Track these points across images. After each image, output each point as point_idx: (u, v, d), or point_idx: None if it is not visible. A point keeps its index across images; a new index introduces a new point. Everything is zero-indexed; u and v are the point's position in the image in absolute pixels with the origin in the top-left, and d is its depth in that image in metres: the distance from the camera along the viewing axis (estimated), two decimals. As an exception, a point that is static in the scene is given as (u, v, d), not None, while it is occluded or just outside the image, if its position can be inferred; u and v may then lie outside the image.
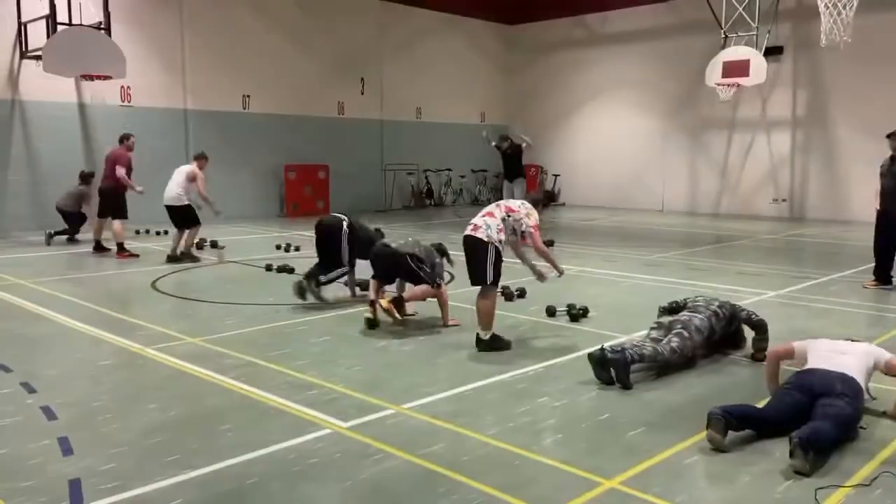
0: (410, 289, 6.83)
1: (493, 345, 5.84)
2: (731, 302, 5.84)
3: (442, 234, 14.32)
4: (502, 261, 5.95)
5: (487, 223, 5.88)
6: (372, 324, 6.56)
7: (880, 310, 7.51)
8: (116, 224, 10.98)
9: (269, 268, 9.85)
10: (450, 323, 6.70)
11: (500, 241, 5.87)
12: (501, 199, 6.47)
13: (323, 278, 7.62)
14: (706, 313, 5.51)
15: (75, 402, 4.67)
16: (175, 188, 10.66)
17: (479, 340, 5.88)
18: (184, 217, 10.58)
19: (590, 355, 5.00)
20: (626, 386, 4.86)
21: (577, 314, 6.99)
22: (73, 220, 12.45)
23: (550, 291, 8.13)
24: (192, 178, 10.68)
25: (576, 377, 5.18)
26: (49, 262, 10.53)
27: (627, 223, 17.17)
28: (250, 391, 4.87)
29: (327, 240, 7.72)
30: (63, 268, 10.08)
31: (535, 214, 6.05)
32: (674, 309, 5.91)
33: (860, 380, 4.22)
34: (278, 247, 11.94)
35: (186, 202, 10.62)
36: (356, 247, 7.60)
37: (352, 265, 7.77)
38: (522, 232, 5.97)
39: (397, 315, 6.37)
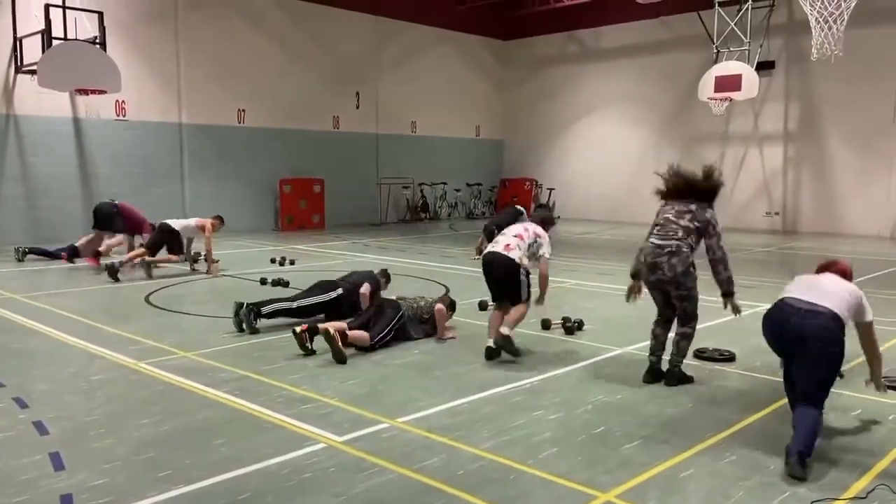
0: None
1: (509, 345, 5.89)
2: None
3: (437, 248, 14.33)
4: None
5: (519, 245, 6.02)
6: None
7: (877, 323, 7.51)
8: (112, 239, 11.03)
9: (263, 281, 9.82)
10: (447, 336, 6.69)
11: (527, 262, 6.03)
12: (498, 211, 6.54)
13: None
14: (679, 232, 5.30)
15: (68, 416, 4.63)
16: (177, 223, 10.68)
17: (499, 336, 5.90)
18: (175, 241, 10.53)
19: (647, 371, 5.30)
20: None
21: (572, 327, 6.99)
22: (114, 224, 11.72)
23: (545, 304, 8.14)
24: (201, 228, 10.65)
25: (571, 390, 5.17)
26: (42, 277, 10.49)
27: (622, 237, 17.22)
28: (244, 405, 4.84)
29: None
30: (56, 282, 10.04)
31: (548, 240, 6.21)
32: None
33: (841, 312, 4.04)
34: (273, 260, 11.92)
35: (176, 229, 10.57)
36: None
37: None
38: (538, 256, 6.11)
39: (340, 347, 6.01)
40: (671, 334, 5.44)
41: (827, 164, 17.76)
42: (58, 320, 7.51)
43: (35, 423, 4.48)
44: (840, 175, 17.53)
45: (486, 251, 6.26)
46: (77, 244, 11.64)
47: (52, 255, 12.03)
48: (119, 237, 11.42)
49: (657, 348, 5.44)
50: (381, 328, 6.33)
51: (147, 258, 10.25)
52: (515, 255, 5.95)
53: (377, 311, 6.54)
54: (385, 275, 7.80)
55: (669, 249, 5.20)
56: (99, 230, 11.51)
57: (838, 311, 4.05)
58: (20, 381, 5.40)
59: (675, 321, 5.43)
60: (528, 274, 6.05)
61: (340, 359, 5.84)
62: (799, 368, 4.07)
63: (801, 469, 3.71)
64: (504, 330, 5.87)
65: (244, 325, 6.90)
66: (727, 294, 5.26)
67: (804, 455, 3.76)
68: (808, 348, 3.99)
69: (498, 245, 6.10)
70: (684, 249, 5.21)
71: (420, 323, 6.69)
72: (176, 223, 10.66)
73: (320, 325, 6.10)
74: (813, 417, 3.90)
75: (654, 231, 5.38)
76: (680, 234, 5.25)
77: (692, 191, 5.42)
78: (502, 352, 5.94)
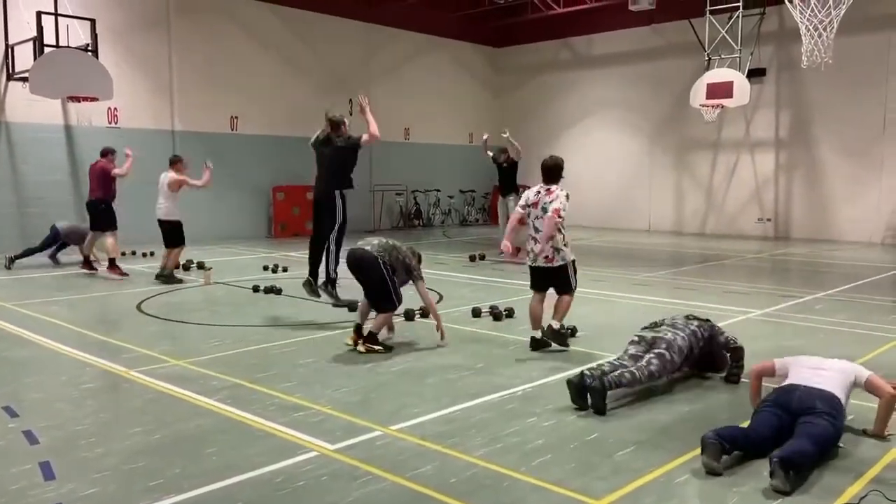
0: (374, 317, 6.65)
1: (558, 336, 6.35)
2: (711, 322, 5.77)
3: (430, 255, 14.32)
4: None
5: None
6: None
7: (866, 328, 7.56)
8: (109, 239, 10.93)
9: (256, 289, 9.80)
10: (441, 342, 6.67)
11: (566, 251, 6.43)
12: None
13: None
14: (686, 332, 5.45)
15: (58, 425, 4.60)
16: (163, 202, 10.62)
17: (548, 328, 6.34)
18: (171, 233, 10.53)
19: (569, 381, 4.94)
20: (601, 412, 4.78)
21: (565, 333, 6.97)
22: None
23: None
24: (175, 187, 10.57)
25: (564, 397, 5.16)
26: (33, 285, 10.43)
27: (614, 243, 17.26)
28: (236, 413, 4.82)
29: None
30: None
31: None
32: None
33: (840, 396, 4.24)
34: (266, 267, 11.89)
35: (176, 218, 10.55)
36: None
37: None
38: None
39: (377, 349, 6.38)
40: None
41: (818, 170, 17.86)
42: (48, 328, 7.46)
43: (25, 433, 4.44)
44: (831, 182, 17.63)
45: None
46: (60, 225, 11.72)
47: (41, 249, 12.04)
48: (110, 238, 11.15)
49: (612, 368, 5.17)
50: (387, 296, 6.46)
51: (166, 270, 10.44)
52: (558, 261, 6.33)
53: (365, 280, 6.56)
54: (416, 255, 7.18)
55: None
56: (92, 230, 11.36)
57: (839, 392, 4.23)
58: (10, 390, 5.36)
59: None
60: (573, 261, 6.43)
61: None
62: (799, 423, 4.05)
63: (785, 480, 3.57)
64: (554, 324, 6.34)
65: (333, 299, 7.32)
66: None
67: (787, 461, 3.60)
68: (810, 412, 4.06)
69: (541, 259, 6.41)
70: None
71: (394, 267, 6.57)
72: (162, 212, 10.61)
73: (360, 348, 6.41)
74: (807, 443, 3.84)
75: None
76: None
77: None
78: (550, 343, 6.35)
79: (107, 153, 11.33)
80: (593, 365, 5.23)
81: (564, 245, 6.35)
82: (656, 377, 5.17)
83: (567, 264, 6.38)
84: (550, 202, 6.29)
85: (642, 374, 5.07)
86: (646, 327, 5.74)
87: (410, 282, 6.76)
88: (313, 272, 7.98)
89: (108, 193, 11.05)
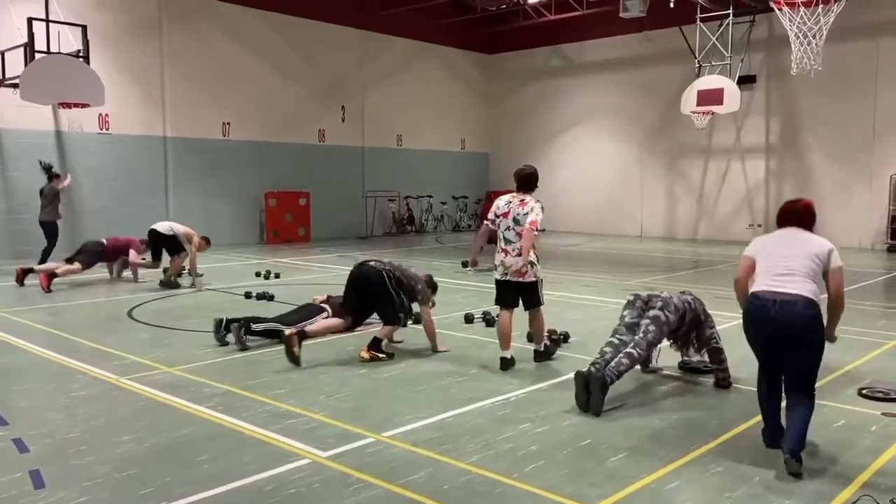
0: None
1: (548, 353, 6.32)
2: (704, 305, 5.73)
3: (424, 261, 14.31)
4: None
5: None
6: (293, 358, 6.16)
7: (856, 333, 7.59)
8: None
9: (248, 295, 9.77)
10: (440, 349, 6.67)
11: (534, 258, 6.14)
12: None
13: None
14: (681, 298, 5.54)
15: (48, 434, 4.57)
16: (167, 223, 10.69)
17: (536, 353, 6.31)
18: (169, 245, 10.58)
19: (578, 373, 4.99)
20: (598, 411, 4.83)
21: (557, 339, 6.98)
22: (54, 232, 12.12)
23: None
24: (188, 237, 10.62)
25: (557, 403, 5.17)
26: (23, 292, 10.36)
27: (607, 249, 17.30)
28: (228, 421, 4.80)
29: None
30: (37, 297, 9.92)
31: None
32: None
33: (813, 293, 4.07)
34: (258, 274, 11.86)
35: (173, 233, 10.60)
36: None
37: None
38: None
39: (381, 356, 6.34)
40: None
41: (808, 176, 17.97)
42: (39, 335, 7.42)
43: (15, 441, 4.41)
44: (821, 187, 17.73)
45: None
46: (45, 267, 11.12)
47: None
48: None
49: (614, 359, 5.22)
50: (390, 308, 6.40)
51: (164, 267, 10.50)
52: (530, 277, 6.06)
53: (370, 295, 6.49)
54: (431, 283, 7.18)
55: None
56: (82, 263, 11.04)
57: (811, 294, 4.07)
58: (0, 398, 5.32)
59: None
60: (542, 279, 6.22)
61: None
62: (788, 361, 4.14)
63: (798, 465, 3.90)
64: (540, 347, 6.28)
65: (236, 342, 6.76)
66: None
67: (798, 451, 3.93)
68: (793, 343, 4.07)
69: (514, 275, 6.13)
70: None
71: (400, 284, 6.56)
72: (164, 228, 10.62)
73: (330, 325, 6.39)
74: (807, 411, 4.05)
75: None
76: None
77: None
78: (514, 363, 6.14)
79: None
80: (596, 355, 5.22)
81: (537, 259, 6.08)
82: (655, 345, 5.29)
83: (539, 280, 6.08)
84: (525, 214, 5.98)
85: (640, 350, 5.16)
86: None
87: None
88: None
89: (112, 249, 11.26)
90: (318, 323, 6.83)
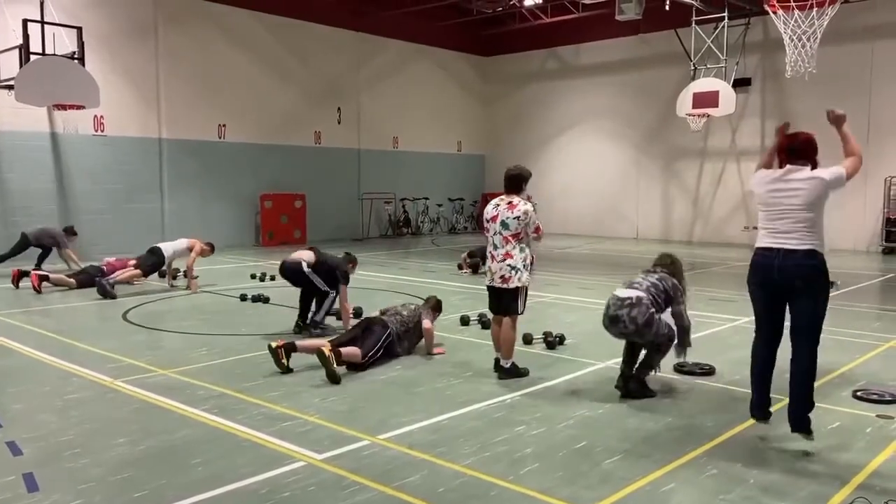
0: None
1: (514, 373, 5.92)
2: (676, 283, 5.70)
3: (420, 263, 14.32)
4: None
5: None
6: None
7: (851, 336, 7.61)
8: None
9: (243, 297, 9.76)
10: (435, 352, 6.67)
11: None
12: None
13: (317, 318, 7.52)
14: (650, 280, 5.65)
15: (42, 436, 4.55)
16: (171, 248, 10.65)
17: (501, 370, 5.94)
18: (156, 265, 10.59)
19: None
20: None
21: (553, 342, 7.00)
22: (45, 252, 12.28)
23: (527, 319, 8.14)
24: (190, 248, 10.60)
25: (553, 405, 5.17)
26: (17, 294, 10.33)
27: (603, 251, 17.32)
28: (222, 423, 4.78)
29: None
30: (31, 299, 9.89)
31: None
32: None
33: (817, 215, 4.25)
34: (253, 276, 11.84)
35: (166, 256, 10.60)
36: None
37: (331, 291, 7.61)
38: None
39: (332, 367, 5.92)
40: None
41: (803, 179, 17.99)
42: (33, 338, 7.39)
43: (8, 444, 4.39)
44: (816, 190, 17.78)
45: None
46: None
47: (10, 255, 12.07)
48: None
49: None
50: (371, 345, 6.23)
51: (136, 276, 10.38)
52: (514, 283, 5.92)
53: (365, 329, 6.45)
54: (437, 306, 7.27)
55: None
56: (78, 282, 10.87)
57: (811, 244, 4.23)
58: (-7, 401, 5.31)
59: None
60: (526, 287, 6.01)
61: (335, 380, 5.72)
62: (792, 307, 4.27)
63: (810, 432, 4.18)
64: (505, 363, 5.94)
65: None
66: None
67: (800, 423, 4.21)
68: (796, 289, 4.19)
69: (497, 281, 5.98)
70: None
71: (405, 332, 6.58)
72: (167, 248, 10.60)
73: (315, 343, 6.07)
74: (810, 362, 4.20)
75: None
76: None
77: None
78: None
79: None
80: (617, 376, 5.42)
81: (524, 265, 5.84)
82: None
83: (521, 287, 5.86)
84: (515, 217, 5.82)
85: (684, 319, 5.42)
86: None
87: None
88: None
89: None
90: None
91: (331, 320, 7.89)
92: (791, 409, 4.33)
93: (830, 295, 4.40)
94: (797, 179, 4.30)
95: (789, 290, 4.24)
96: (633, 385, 5.32)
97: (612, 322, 5.37)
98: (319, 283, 7.52)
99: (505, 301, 5.92)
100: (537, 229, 5.93)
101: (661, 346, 5.39)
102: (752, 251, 4.54)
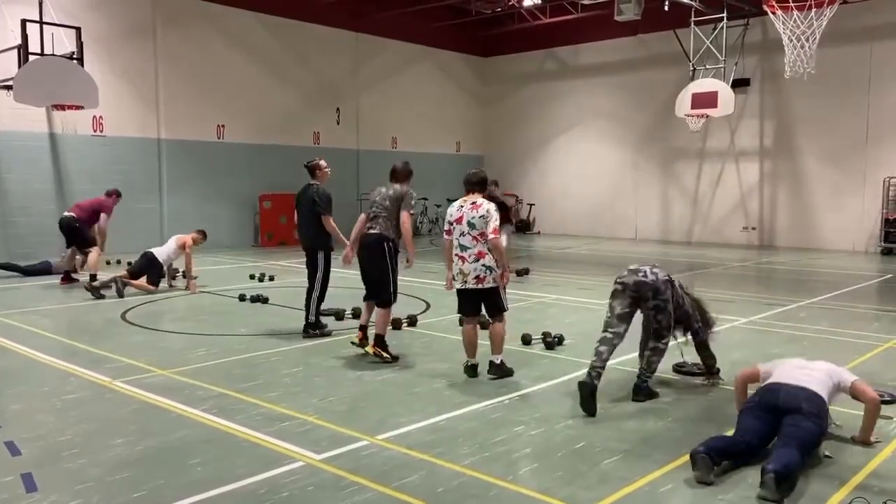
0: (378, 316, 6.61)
1: (503, 371, 5.90)
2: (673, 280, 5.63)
3: (418, 263, 14.30)
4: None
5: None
6: (362, 346, 6.55)
7: (850, 336, 7.62)
8: (93, 254, 10.84)
9: (242, 298, 9.75)
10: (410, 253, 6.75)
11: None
12: None
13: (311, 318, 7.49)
14: (662, 276, 5.40)
15: (40, 437, 4.54)
16: (164, 252, 10.54)
17: (491, 366, 5.91)
18: (152, 270, 10.44)
19: (581, 384, 4.95)
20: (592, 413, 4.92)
21: (552, 342, 6.99)
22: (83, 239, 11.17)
23: (526, 320, 8.16)
24: (182, 246, 10.54)
25: (551, 406, 5.17)
26: (16, 294, 10.32)
27: (601, 251, 17.32)
28: (221, 424, 4.78)
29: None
30: (30, 299, 9.88)
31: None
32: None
33: (824, 396, 4.26)
34: (252, 276, 11.84)
35: (161, 260, 10.48)
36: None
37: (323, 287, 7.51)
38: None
39: (386, 356, 6.36)
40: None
41: (802, 179, 18.04)
42: (31, 338, 7.38)
43: (7, 444, 4.38)
44: (815, 191, 17.82)
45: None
46: (54, 261, 11.56)
47: (25, 272, 11.88)
48: (93, 253, 11.07)
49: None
50: (388, 282, 6.47)
51: (126, 279, 10.13)
52: (488, 283, 5.82)
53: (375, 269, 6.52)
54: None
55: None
56: (70, 246, 11.29)
57: (823, 392, 4.25)
58: (-9, 401, 5.30)
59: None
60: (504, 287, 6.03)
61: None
62: (785, 425, 4.09)
63: (776, 490, 3.56)
64: (496, 359, 5.89)
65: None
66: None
67: (780, 475, 3.58)
68: (796, 413, 4.09)
69: (472, 281, 5.89)
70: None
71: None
72: (159, 252, 10.51)
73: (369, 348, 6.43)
74: (795, 453, 3.85)
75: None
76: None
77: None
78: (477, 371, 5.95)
79: (112, 194, 11.46)
80: (593, 357, 5.15)
81: (497, 265, 5.78)
82: (670, 329, 5.33)
83: (498, 286, 5.86)
84: (481, 216, 5.73)
85: (662, 342, 5.33)
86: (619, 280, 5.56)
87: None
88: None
89: (88, 220, 11.06)
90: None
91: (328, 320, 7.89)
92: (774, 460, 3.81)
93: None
94: None
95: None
96: (638, 396, 5.28)
97: (631, 273, 5.32)
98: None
99: (488, 303, 5.90)
100: (495, 230, 5.76)
101: (671, 320, 5.34)
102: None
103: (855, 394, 4.44)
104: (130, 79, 15.69)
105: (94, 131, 15.16)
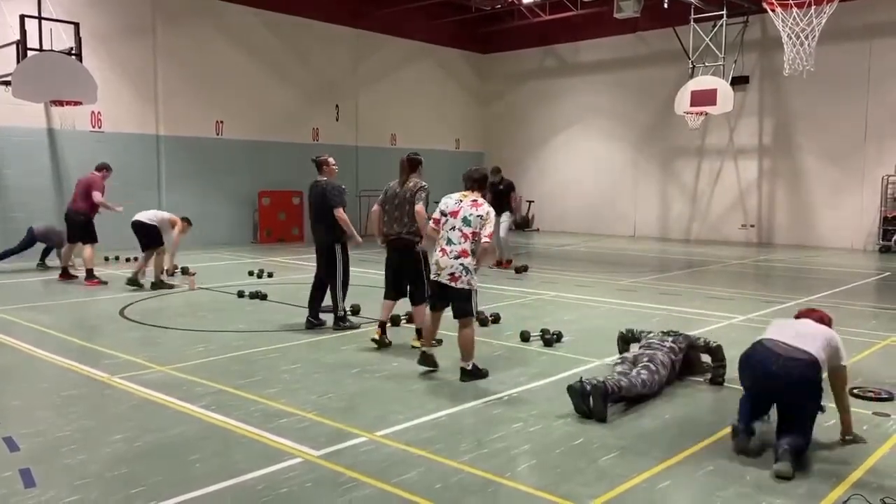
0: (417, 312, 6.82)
1: (475, 375, 5.78)
2: (684, 333, 5.93)
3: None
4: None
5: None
6: (381, 345, 6.68)
7: (848, 334, 7.62)
8: (87, 249, 10.80)
9: (241, 294, 9.75)
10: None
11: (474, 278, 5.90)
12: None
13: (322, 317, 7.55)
14: (664, 349, 5.55)
15: (39, 432, 4.54)
16: (153, 212, 10.56)
17: (462, 372, 5.81)
18: (148, 235, 10.32)
19: (570, 387, 4.90)
20: (602, 419, 4.75)
21: (551, 339, 7.00)
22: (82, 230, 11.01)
23: (524, 317, 8.17)
24: (172, 223, 10.51)
25: (550, 402, 5.17)
26: (14, 290, 10.31)
27: (600, 249, 17.33)
28: (220, 420, 4.78)
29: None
30: (28, 295, 9.88)
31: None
32: (629, 339, 6.14)
33: (820, 359, 4.13)
34: (251, 273, 11.83)
35: (154, 224, 10.38)
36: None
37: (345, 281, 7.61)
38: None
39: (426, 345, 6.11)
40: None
41: (801, 177, 18.05)
42: (29, 334, 7.38)
43: (6, 439, 4.39)
44: (814, 188, 17.83)
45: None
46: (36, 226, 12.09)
47: (18, 250, 12.14)
48: (88, 248, 10.98)
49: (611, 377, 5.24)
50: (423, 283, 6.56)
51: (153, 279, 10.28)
52: (462, 283, 5.79)
53: (411, 270, 6.73)
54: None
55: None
56: (69, 243, 11.23)
57: (817, 355, 4.10)
58: (-10, 397, 5.30)
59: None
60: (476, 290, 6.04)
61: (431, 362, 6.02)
62: (780, 410, 4.17)
63: (790, 466, 3.82)
64: (467, 366, 5.77)
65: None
66: None
67: (793, 450, 3.87)
68: (788, 397, 4.09)
69: (446, 278, 5.88)
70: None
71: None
72: (146, 217, 10.35)
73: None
74: (801, 439, 4.01)
75: None
76: None
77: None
78: (436, 364, 5.97)
79: (101, 168, 11.17)
80: (585, 370, 5.21)
81: (473, 269, 5.77)
82: (647, 386, 5.16)
83: (472, 290, 5.83)
84: (479, 216, 5.73)
85: (636, 382, 5.11)
86: (623, 333, 5.82)
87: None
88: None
89: (89, 207, 10.87)
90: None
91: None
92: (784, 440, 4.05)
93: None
94: None
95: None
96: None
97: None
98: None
99: (458, 303, 5.81)
100: (490, 235, 5.74)
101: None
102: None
103: (833, 376, 4.30)
104: (129, 74, 15.66)
105: (93, 127, 15.13)
